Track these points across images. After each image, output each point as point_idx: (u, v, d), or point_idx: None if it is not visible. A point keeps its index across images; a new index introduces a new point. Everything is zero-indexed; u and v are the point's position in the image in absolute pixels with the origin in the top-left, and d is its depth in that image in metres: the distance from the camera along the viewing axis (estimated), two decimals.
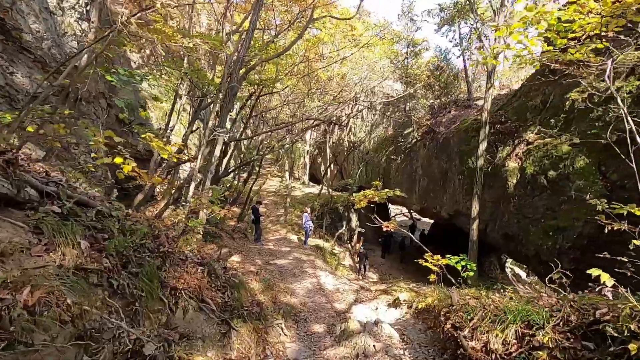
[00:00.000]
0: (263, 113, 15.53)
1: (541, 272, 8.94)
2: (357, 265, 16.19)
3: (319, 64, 16.85)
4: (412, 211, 31.93)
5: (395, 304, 7.46)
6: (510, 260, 25.28)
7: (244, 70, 7.92)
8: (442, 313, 4.23)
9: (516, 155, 9.90)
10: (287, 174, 28.91)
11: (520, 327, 2.98)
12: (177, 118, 13.31)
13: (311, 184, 30.95)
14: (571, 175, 7.72)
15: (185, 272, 4.16)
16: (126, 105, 12.10)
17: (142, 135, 4.64)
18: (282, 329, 5.97)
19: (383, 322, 5.43)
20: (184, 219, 5.66)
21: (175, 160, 4.79)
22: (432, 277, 7.70)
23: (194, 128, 10.06)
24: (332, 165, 28.06)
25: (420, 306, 5.63)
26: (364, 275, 14.96)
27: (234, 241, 13.95)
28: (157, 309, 3.33)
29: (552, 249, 7.88)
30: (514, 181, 9.46)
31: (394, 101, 19.17)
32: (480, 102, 16.44)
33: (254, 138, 17.26)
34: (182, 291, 3.91)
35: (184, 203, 6.45)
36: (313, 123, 13.40)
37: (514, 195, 9.37)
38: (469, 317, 3.51)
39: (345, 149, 26.27)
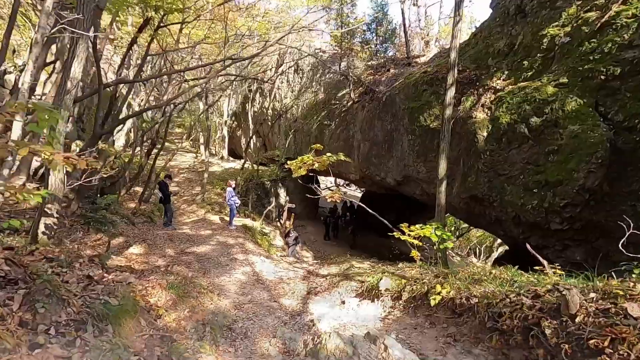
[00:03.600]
0: (167, 58, 11.85)
1: (516, 236, 7.86)
2: (287, 248, 13.87)
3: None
4: (344, 183, 30.80)
5: (372, 294, 5.44)
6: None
7: None
8: (545, 330, 2.23)
9: (483, 105, 8.57)
10: (202, 147, 25.00)
11: None
12: (30, 55, 9.00)
13: (231, 159, 27.58)
14: (561, 120, 6.51)
15: None
16: None
17: None
18: None
19: (385, 337, 3.29)
20: None
21: None
22: (414, 253, 5.89)
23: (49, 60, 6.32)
24: (254, 137, 24.92)
25: (433, 302, 3.68)
26: (299, 258, 12.90)
27: (134, 227, 10.52)
28: None
29: (539, 208, 6.69)
30: (484, 134, 8.11)
31: (327, 59, 16.94)
32: (421, 60, 15.22)
33: (155, 83, 13.43)
34: None
35: None
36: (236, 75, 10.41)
37: (484, 150, 8.04)
38: None
39: (270, 118, 23.32)
